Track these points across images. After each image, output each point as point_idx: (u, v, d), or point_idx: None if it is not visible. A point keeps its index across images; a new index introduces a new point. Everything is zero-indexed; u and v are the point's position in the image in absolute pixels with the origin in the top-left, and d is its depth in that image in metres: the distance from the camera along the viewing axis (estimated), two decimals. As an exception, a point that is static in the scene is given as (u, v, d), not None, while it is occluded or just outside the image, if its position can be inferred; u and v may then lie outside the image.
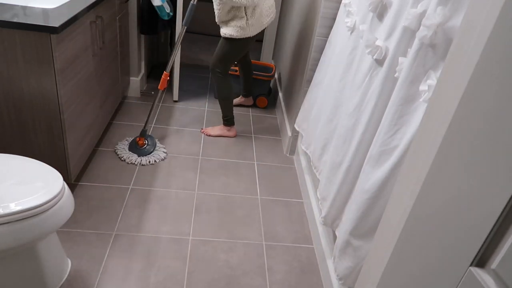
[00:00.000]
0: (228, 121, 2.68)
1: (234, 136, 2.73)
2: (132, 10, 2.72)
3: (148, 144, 2.40)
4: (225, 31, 2.33)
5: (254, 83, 3.06)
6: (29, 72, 1.58)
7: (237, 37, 2.32)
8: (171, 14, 2.61)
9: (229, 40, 2.37)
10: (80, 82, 1.84)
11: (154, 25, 2.84)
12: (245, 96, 3.09)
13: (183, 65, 3.75)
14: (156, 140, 2.48)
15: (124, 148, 2.37)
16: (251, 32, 2.33)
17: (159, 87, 2.41)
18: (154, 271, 1.67)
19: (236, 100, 3.08)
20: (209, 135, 2.69)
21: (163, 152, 2.41)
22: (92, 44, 1.96)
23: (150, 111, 2.44)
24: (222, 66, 2.49)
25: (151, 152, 2.37)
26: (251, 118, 3.01)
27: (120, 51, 2.51)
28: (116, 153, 2.34)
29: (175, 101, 3.03)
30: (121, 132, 2.55)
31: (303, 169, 2.30)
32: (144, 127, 2.42)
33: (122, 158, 2.30)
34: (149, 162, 2.31)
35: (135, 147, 2.38)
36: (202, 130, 2.72)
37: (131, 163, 2.28)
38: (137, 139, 2.41)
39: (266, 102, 3.15)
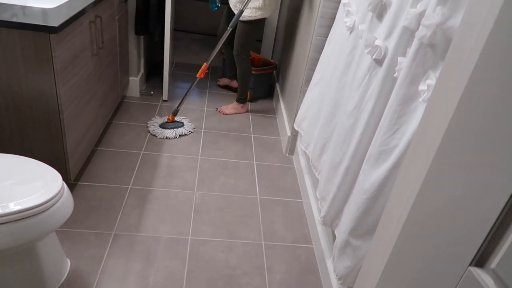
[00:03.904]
0: (244, 99, 3.03)
1: (246, 112, 3.08)
2: (131, 10, 2.72)
3: (176, 121, 2.74)
4: (243, 14, 2.58)
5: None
6: (29, 72, 1.58)
7: (255, 18, 2.62)
8: (219, 5, 2.82)
9: (248, 23, 2.66)
10: (79, 82, 1.84)
11: (146, 25, 2.84)
12: (230, 78, 3.37)
13: (184, 65, 3.76)
14: (187, 120, 2.79)
15: (155, 125, 2.67)
16: (267, 12, 2.65)
17: (197, 75, 2.68)
18: (153, 271, 1.67)
19: (224, 81, 3.41)
20: (225, 114, 3.00)
21: (191, 128, 2.73)
22: (91, 44, 1.96)
23: (186, 94, 2.75)
24: (245, 50, 2.80)
25: (179, 127, 2.68)
26: (250, 117, 3.01)
27: (119, 51, 2.51)
28: (148, 130, 2.62)
29: (165, 101, 3.03)
30: (121, 131, 2.55)
31: (302, 169, 2.30)
32: (177, 107, 2.73)
33: (155, 134, 2.58)
34: (175, 136, 2.61)
35: (165, 124, 2.69)
36: (219, 109, 3.02)
37: (161, 137, 2.57)
38: (168, 118, 2.72)
39: (249, 95, 3.19)
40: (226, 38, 2.63)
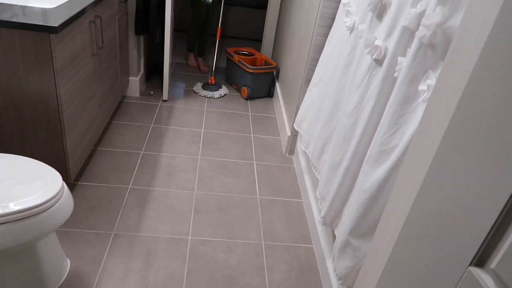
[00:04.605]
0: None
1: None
2: (131, 10, 2.72)
3: (217, 83, 3.35)
4: None
5: (243, 74, 3.28)
6: (29, 72, 1.58)
7: None
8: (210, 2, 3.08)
9: None
10: (79, 82, 1.84)
11: (146, 25, 2.84)
12: (196, 55, 3.79)
13: (183, 65, 3.76)
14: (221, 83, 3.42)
15: (199, 89, 3.28)
16: None
17: (217, 38, 3.34)
18: (153, 271, 1.67)
19: (193, 62, 3.77)
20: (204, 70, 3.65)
21: (226, 89, 3.36)
22: (91, 44, 1.96)
23: (215, 54, 3.38)
24: None
25: (219, 89, 3.29)
26: (250, 117, 3.01)
27: (119, 50, 2.51)
28: (194, 91, 3.25)
29: (165, 101, 3.04)
30: (121, 131, 2.55)
31: (302, 169, 2.30)
32: (213, 68, 3.35)
33: (201, 95, 3.21)
34: (220, 95, 3.24)
35: (207, 86, 3.29)
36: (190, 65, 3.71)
37: (209, 97, 3.20)
38: (209, 80, 3.31)
39: (246, 93, 3.27)
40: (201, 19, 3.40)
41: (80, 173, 2.13)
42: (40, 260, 1.41)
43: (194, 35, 3.59)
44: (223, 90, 3.30)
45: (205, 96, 3.19)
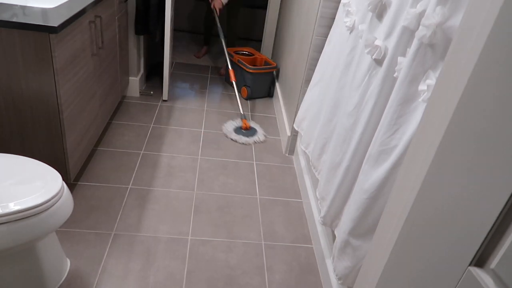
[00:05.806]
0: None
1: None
2: (131, 10, 2.72)
3: (252, 128, 2.84)
4: None
5: (243, 74, 3.26)
6: (28, 71, 1.58)
7: None
8: None
9: None
10: (79, 81, 1.84)
11: (146, 25, 2.84)
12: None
13: (183, 65, 3.76)
14: (258, 126, 2.90)
15: (231, 132, 2.76)
16: None
17: (231, 79, 3.11)
18: (153, 271, 1.67)
19: (201, 53, 4.02)
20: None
21: (263, 135, 2.80)
22: (91, 44, 1.96)
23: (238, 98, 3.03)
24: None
25: (254, 134, 2.78)
26: (250, 118, 3.01)
27: (119, 50, 2.51)
28: (225, 135, 2.72)
29: (164, 101, 3.04)
30: (121, 131, 2.55)
31: (302, 169, 2.30)
32: (241, 110, 2.93)
33: (235, 140, 2.69)
34: (255, 141, 2.71)
35: (240, 131, 2.80)
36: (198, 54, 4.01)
37: (242, 143, 2.68)
38: (243, 125, 2.81)
39: (246, 93, 3.27)
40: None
41: (80, 173, 2.13)
42: (40, 260, 1.41)
43: (209, 29, 3.92)
44: (260, 134, 2.78)
45: (236, 141, 2.70)
